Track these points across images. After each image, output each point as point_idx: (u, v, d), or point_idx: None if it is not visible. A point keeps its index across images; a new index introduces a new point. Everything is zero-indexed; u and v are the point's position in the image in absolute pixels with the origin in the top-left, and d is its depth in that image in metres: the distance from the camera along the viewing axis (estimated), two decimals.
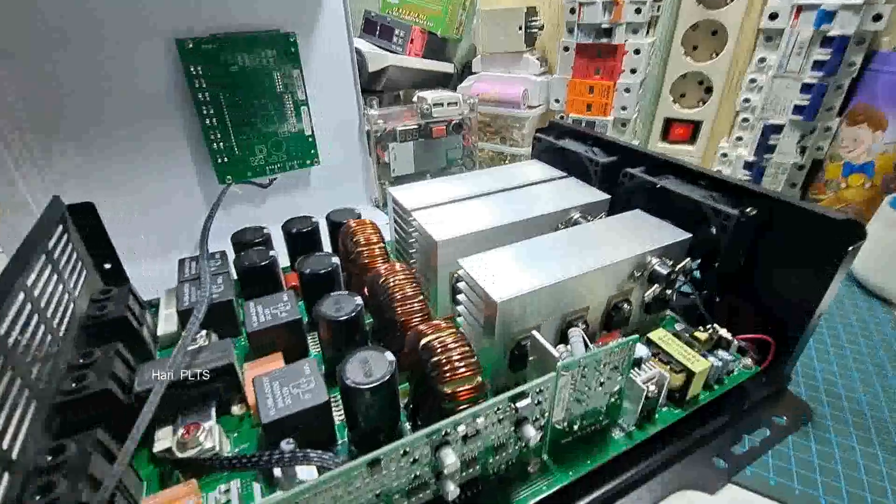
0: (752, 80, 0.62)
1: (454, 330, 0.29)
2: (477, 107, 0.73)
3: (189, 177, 0.56)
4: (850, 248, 0.32)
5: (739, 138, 0.66)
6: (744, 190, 0.38)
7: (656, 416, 0.33)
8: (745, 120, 0.65)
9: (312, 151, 0.62)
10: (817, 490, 0.31)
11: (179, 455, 0.28)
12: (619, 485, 0.30)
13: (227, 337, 0.39)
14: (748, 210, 0.37)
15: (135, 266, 0.48)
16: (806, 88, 0.57)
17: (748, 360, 0.37)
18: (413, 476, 0.24)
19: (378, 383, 0.28)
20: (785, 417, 0.36)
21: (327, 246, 0.48)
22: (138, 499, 0.27)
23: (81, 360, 0.31)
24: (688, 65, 0.68)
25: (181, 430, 0.29)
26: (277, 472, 0.26)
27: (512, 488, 0.28)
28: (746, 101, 0.63)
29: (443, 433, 0.23)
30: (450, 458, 0.23)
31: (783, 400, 0.38)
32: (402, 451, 0.23)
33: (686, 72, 0.69)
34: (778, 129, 0.60)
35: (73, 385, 0.29)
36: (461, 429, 0.24)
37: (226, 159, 0.56)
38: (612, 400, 0.31)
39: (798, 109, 0.58)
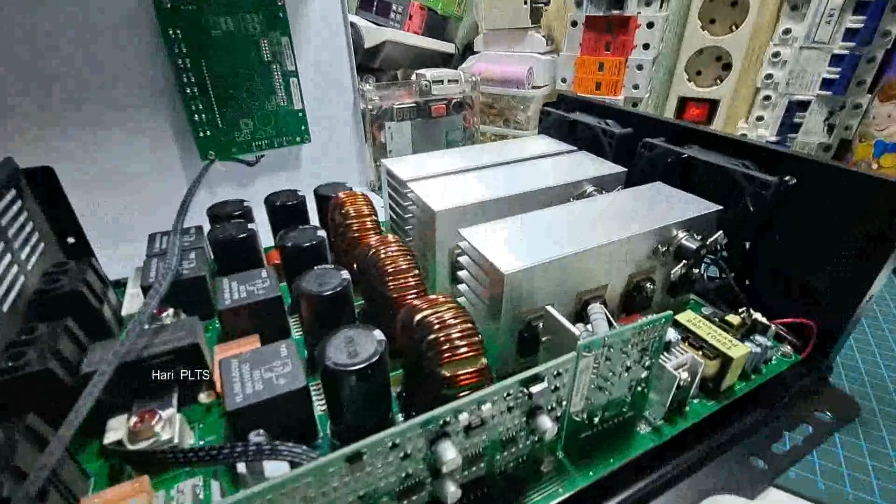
0: (776, 55, 0.58)
1: (454, 304, 0.25)
2: (479, 86, 0.68)
3: (168, 151, 0.52)
4: None
5: (760, 118, 0.62)
6: (782, 156, 0.34)
7: (687, 408, 0.28)
8: (767, 98, 0.60)
9: (303, 128, 0.58)
10: (874, 495, 0.27)
11: (130, 447, 0.24)
12: (644, 487, 0.26)
13: (202, 319, 0.35)
14: (787, 178, 0.33)
15: (108, 245, 0.44)
16: (836, 60, 0.53)
17: (787, 348, 0.33)
18: (405, 474, 0.20)
19: (364, 365, 0.23)
20: (829, 413, 0.32)
21: (315, 222, 0.44)
22: (79, 496, 0.22)
23: (22, 337, 0.26)
24: (705, 39, 0.64)
25: (133, 419, 0.25)
26: (242, 467, 0.21)
27: (522, 491, 0.24)
28: (769, 76, 0.59)
29: (441, 423, 0.19)
30: (449, 452, 0.19)
31: (825, 394, 0.33)
32: (390, 444, 0.18)
33: (703, 47, 0.64)
34: (804, 105, 0.56)
35: (9, 364, 0.25)
36: (463, 417, 0.19)
37: (208, 133, 0.52)
38: (639, 389, 0.26)
39: (827, 84, 0.54)
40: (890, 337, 0.40)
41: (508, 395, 0.21)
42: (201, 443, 0.27)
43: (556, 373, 0.21)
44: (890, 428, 0.31)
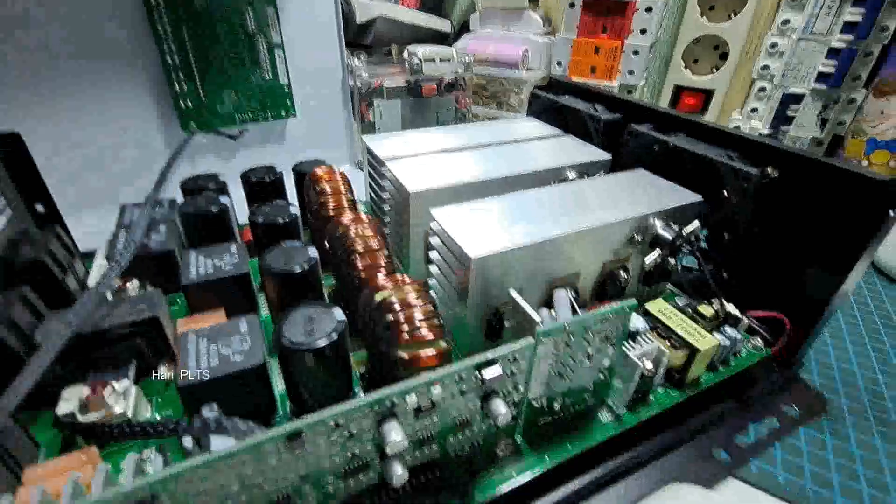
0: (773, 45, 0.57)
1: (416, 286, 0.24)
2: (472, 66, 0.67)
3: (148, 122, 0.51)
4: (892, 213, 0.27)
5: (754, 110, 0.61)
6: (766, 148, 0.33)
7: (651, 398, 0.28)
8: (762, 90, 0.59)
9: (288, 102, 0.56)
10: (832, 491, 0.27)
11: (80, 418, 0.24)
12: (604, 474, 0.26)
13: (170, 293, 0.34)
14: (770, 170, 0.32)
15: (84, 216, 0.43)
16: (833, 53, 0.52)
17: (758, 341, 0.33)
18: (350, 455, 0.19)
19: (322, 345, 0.23)
20: (797, 407, 0.32)
21: (294, 200, 0.43)
22: (24, 465, 0.22)
23: None
24: (703, 26, 0.63)
25: (86, 390, 0.24)
26: (187, 442, 0.21)
27: (476, 474, 0.24)
28: (765, 68, 0.58)
29: (389, 404, 0.19)
30: (395, 434, 0.19)
31: (795, 388, 0.33)
32: (333, 424, 0.18)
33: (701, 34, 0.63)
34: (798, 98, 0.55)
35: None
36: (412, 399, 0.19)
37: (189, 104, 0.51)
38: (602, 377, 0.26)
39: (822, 77, 0.53)
40: (865, 335, 0.40)
41: (461, 378, 0.20)
42: (157, 416, 0.26)
43: (512, 358, 0.21)
44: (856, 425, 0.31)
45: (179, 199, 0.41)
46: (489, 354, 0.20)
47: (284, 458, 0.18)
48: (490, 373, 0.20)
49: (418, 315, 0.23)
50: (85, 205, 0.47)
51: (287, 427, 0.17)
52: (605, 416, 0.27)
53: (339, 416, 0.18)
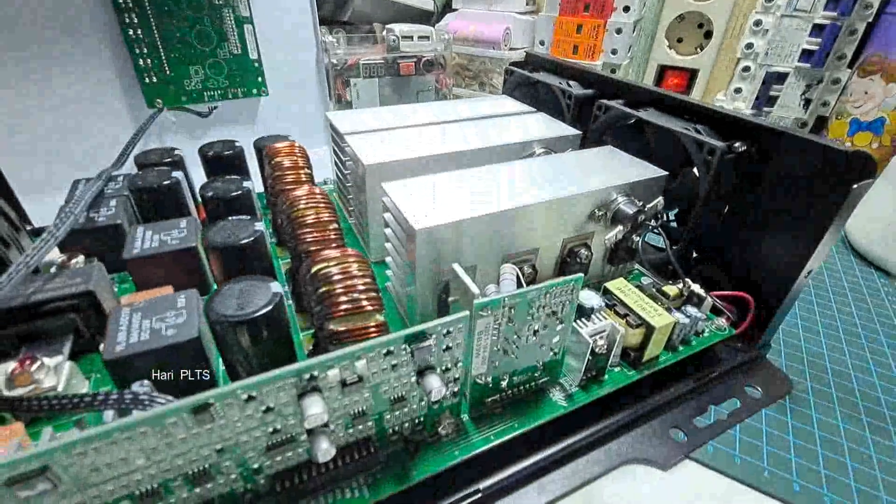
0: (757, 23, 0.55)
1: (354, 257, 0.23)
2: (452, 44, 0.65)
3: (112, 97, 0.49)
4: (856, 187, 0.26)
5: (738, 90, 0.59)
6: (734, 121, 0.32)
7: (606, 377, 0.27)
8: (746, 69, 0.58)
9: (259, 79, 0.55)
10: (791, 472, 0.26)
11: (6, 393, 0.23)
12: (552, 455, 0.25)
13: (121, 270, 0.34)
14: (737, 144, 0.31)
15: (45, 194, 0.42)
16: (816, 31, 0.51)
17: (722, 322, 0.32)
18: (272, 430, 0.19)
19: (252, 317, 0.22)
20: (760, 389, 0.31)
21: (256, 178, 0.42)
22: None
23: None
24: (687, 3, 0.61)
25: (13, 365, 0.23)
26: (108, 416, 0.20)
27: (415, 452, 0.23)
28: (749, 46, 0.56)
29: (307, 376, 0.18)
30: (314, 406, 0.18)
31: (760, 370, 0.33)
32: (245, 397, 0.17)
33: (685, 11, 0.61)
34: (782, 77, 0.54)
35: None
36: (333, 373, 0.18)
37: (154, 80, 0.50)
38: (553, 355, 0.25)
39: (806, 55, 0.52)
40: (837, 315, 0.39)
41: (390, 352, 0.19)
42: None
43: (446, 331, 0.20)
44: (819, 407, 0.30)
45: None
46: (421, 327, 0.19)
47: (194, 431, 0.17)
48: (420, 345, 0.19)
49: (358, 286, 0.22)
50: (45, 183, 0.46)
51: (192, 399, 0.16)
52: (556, 394, 0.26)
53: (251, 387, 0.17)
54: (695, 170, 0.34)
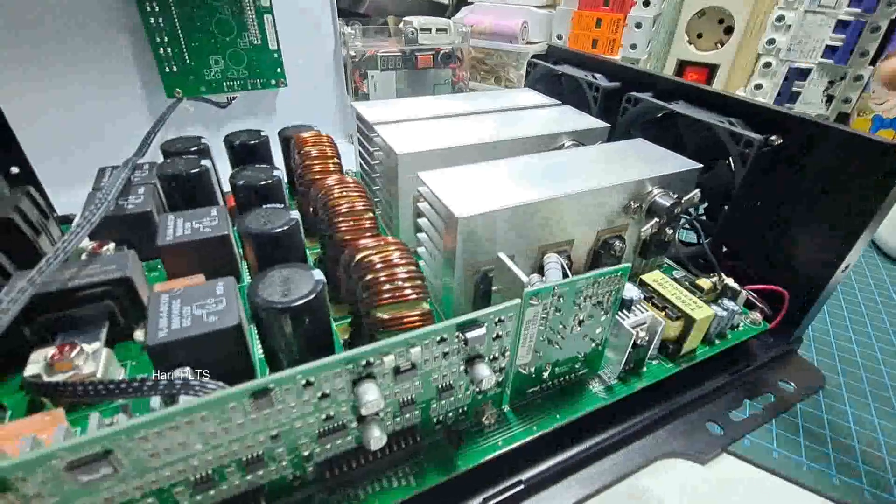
0: (779, 18, 0.55)
1: (398, 245, 0.23)
2: (469, 38, 0.65)
3: (132, 87, 0.49)
4: None
5: (759, 86, 0.59)
6: (771, 114, 0.32)
7: (644, 369, 0.27)
8: (767, 65, 0.58)
9: (278, 70, 0.54)
10: (830, 466, 0.26)
11: (46, 379, 0.23)
12: (592, 447, 0.25)
13: (149, 258, 0.33)
14: (773, 138, 0.31)
15: (69, 182, 0.41)
16: (840, 27, 0.50)
17: (756, 316, 0.32)
18: (325, 416, 0.18)
19: (298, 304, 0.22)
20: (793, 384, 0.31)
21: (280, 166, 0.42)
22: None
23: None
24: None
25: (52, 351, 0.23)
26: (154, 402, 0.20)
27: (459, 442, 0.23)
28: (771, 42, 0.56)
29: (364, 363, 0.18)
30: (370, 393, 0.18)
31: (792, 364, 0.32)
32: (304, 382, 0.17)
33: (705, 7, 0.61)
34: (804, 73, 0.54)
35: None
36: (389, 360, 0.18)
37: (174, 69, 0.49)
38: (594, 346, 0.25)
39: (829, 51, 0.51)
40: (865, 312, 0.39)
41: (443, 339, 0.19)
42: None
43: (498, 319, 0.20)
44: (853, 402, 0.30)
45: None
46: (473, 315, 0.19)
47: (252, 416, 0.16)
48: (474, 333, 0.19)
49: (401, 274, 0.22)
50: (69, 171, 0.45)
51: (252, 383, 0.16)
52: (596, 386, 0.26)
53: (310, 373, 0.17)
54: (727, 162, 0.34)
